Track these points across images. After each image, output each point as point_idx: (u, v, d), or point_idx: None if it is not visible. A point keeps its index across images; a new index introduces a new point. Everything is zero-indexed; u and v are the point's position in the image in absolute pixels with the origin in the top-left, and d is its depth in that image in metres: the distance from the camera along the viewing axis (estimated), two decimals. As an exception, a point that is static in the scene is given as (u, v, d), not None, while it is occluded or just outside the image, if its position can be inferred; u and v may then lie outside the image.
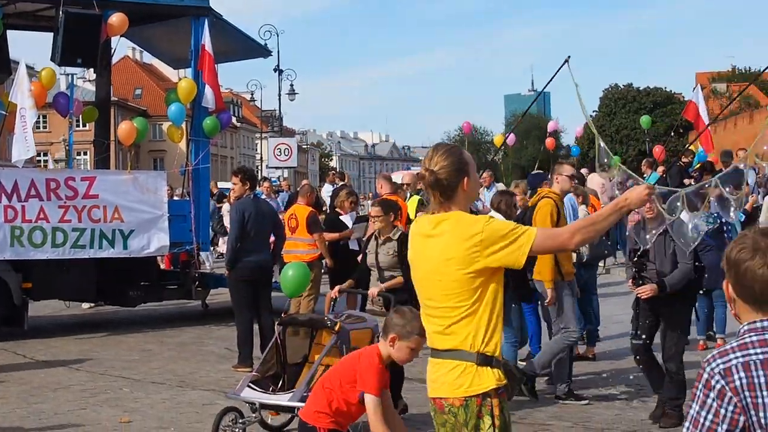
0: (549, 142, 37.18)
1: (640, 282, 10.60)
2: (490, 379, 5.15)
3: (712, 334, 14.93)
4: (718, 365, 3.75)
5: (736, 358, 3.76)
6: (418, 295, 5.49)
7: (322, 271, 16.94)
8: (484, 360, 5.16)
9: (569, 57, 10.31)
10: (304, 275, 12.14)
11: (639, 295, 10.61)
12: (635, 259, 10.74)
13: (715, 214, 15.26)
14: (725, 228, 15.02)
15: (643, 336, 10.82)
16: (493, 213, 12.45)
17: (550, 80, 9.17)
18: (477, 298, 5.16)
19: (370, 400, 6.92)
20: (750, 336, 3.83)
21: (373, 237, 11.33)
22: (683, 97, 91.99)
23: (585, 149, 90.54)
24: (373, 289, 10.96)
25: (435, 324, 5.32)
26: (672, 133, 68.87)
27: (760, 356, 3.75)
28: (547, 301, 11.52)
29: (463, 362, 5.17)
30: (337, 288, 11.51)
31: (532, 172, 16.43)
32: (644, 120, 38.18)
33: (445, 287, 5.23)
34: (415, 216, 16.59)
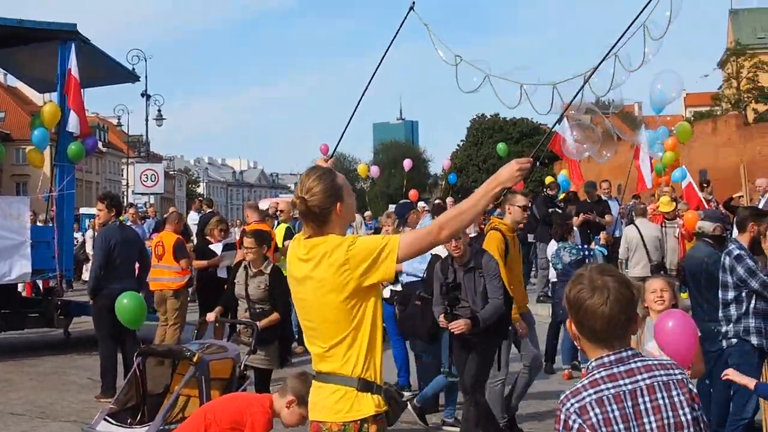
0: (412, 194, 37.41)
1: (452, 318, 10.46)
2: (369, 405, 5.11)
3: (576, 363, 15.15)
4: (572, 405, 3.87)
5: (589, 395, 3.89)
6: (298, 315, 5.42)
7: (189, 299, 16.80)
8: (365, 385, 5.12)
9: (414, 3, 9.93)
10: (139, 306, 11.91)
11: (452, 331, 10.40)
12: (446, 294, 10.67)
13: (579, 246, 15.56)
14: (588, 260, 15.30)
15: (457, 375, 10.83)
16: None
17: (397, 32, 8.83)
18: (354, 322, 5.10)
19: None
20: (599, 372, 3.96)
21: (243, 267, 11.23)
22: (548, 127, 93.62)
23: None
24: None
25: (316, 346, 5.26)
26: (537, 164, 70.14)
27: (612, 391, 3.89)
28: (520, 333, 11.17)
29: (344, 387, 5.12)
30: (209, 316, 11.42)
31: (400, 202, 16.52)
32: (500, 148, 38.64)
33: (321, 311, 5.18)
34: (283, 243, 16.61)
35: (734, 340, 10.34)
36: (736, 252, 10.30)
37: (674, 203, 19.22)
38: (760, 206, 19.40)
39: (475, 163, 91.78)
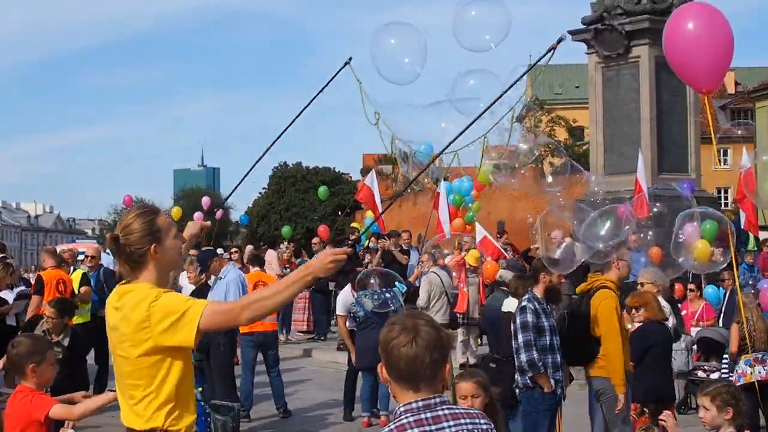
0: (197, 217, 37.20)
1: None
2: None
3: (375, 411, 15.12)
4: None
5: None
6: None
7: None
8: None
9: (350, 58, 9.71)
10: None
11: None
12: None
13: (380, 291, 15.55)
14: (390, 301, 15.33)
15: None
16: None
17: (329, 81, 8.76)
18: (156, 380, 4.92)
19: (56, 411, 6.89)
20: (407, 417, 4.06)
21: (42, 331, 11.03)
22: (351, 177, 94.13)
23: (254, 225, 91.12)
24: None
25: (122, 401, 5.11)
26: (340, 213, 70.14)
27: None
28: (618, 407, 10.59)
29: None
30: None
31: (203, 249, 16.31)
32: (321, 191, 38.75)
33: (122, 364, 5.02)
34: (79, 289, 16.16)
35: (524, 388, 10.54)
36: (523, 303, 10.56)
37: (480, 258, 19.50)
38: (556, 257, 19.87)
39: (278, 210, 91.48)
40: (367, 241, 22.75)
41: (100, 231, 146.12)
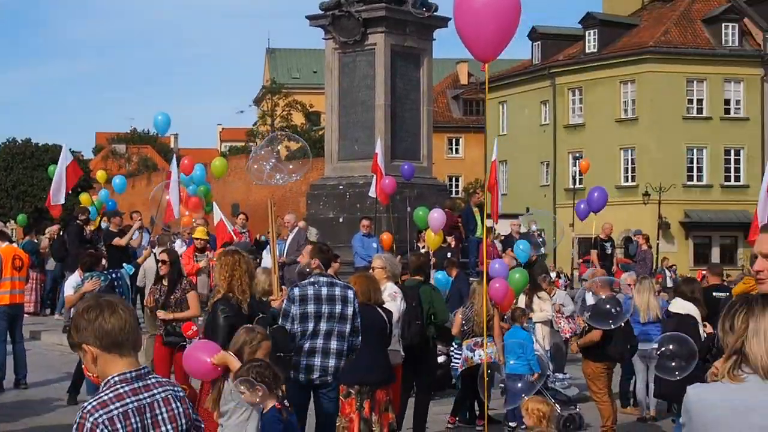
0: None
1: None
2: None
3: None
4: (101, 416, 4.26)
5: (116, 408, 4.32)
6: None
7: None
8: None
9: None
10: None
11: None
12: None
13: (108, 272, 15.30)
14: (117, 282, 15.20)
15: None
16: None
17: None
18: None
19: None
20: (123, 387, 4.40)
21: None
22: (83, 155, 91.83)
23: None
24: None
25: None
26: (70, 191, 68.70)
27: (135, 404, 4.38)
28: None
29: None
30: None
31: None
32: (51, 169, 37.56)
33: None
34: None
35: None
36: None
37: (207, 235, 19.33)
38: (288, 240, 19.95)
39: (5, 188, 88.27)
40: (99, 218, 22.23)
41: None
